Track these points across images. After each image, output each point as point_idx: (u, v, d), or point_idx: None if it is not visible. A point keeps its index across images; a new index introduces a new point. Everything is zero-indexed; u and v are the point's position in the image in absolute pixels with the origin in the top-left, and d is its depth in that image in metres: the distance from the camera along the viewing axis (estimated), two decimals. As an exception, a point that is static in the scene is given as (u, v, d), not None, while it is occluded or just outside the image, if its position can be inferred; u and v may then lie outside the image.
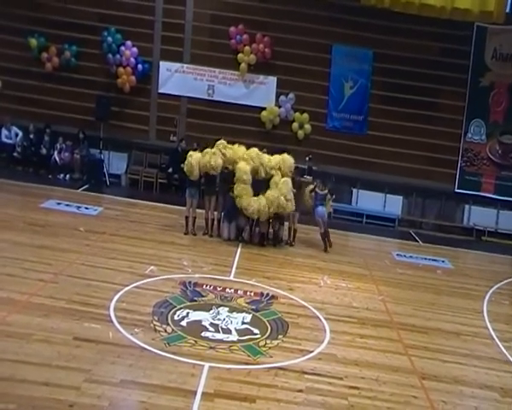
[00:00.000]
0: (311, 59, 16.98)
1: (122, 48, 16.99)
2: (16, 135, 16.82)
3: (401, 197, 17.15)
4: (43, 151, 16.78)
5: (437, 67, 16.81)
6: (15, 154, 16.73)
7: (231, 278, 10.69)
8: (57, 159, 16.73)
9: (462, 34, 16.69)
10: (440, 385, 7.75)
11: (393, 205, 16.94)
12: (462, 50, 16.88)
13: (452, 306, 10.79)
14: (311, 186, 13.33)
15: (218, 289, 10.00)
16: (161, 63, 17.45)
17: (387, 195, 16.97)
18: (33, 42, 16.92)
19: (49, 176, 16.44)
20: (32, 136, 16.94)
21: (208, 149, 12.90)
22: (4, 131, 16.83)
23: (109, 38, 16.94)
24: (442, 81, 16.89)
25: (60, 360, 7.03)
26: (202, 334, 8.24)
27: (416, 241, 15.56)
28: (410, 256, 13.76)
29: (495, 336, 9.58)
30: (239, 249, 12.02)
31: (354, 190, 17.10)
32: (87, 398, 6.38)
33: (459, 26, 16.24)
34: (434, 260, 13.39)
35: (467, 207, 17.19)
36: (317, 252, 12.85)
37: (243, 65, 17.18)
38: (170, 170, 16.50)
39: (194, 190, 12.84)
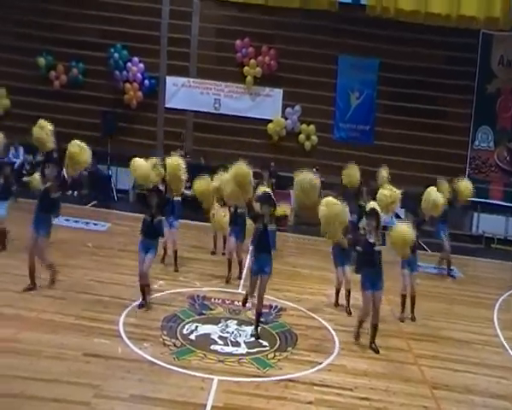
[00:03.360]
0: (316, 70, 17.08)
1: (129, 64, 17.18)
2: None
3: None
4: (52, 168, 16.86)
5: (443, 76, 16.86)
6: (24, 171, 16.85)
7: (240, 290, 10.66)
8: (65, 175, 16.80)
9: (468, 42, 16.74)
10: (451, 395, 7.68)
11: (401, 214, 16.82)
12: (468, 58, 16.92)
13: (462, 314, 10.72)
14: None
15: (227, 302, 10.01)
16: (168, 78, 17.62)
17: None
18: (41, 61, 17.15)
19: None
20: (40, 153, 17.04)
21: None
22: (12, 151, 17.01)
23: (116, 55, 17.13)
24: (448, 89, 16.92)
25: (70, 376, 7.06)
26: (211, 347, 8.24)
27: (425, 250, 15.49)
28: (419, 265, 13.62)
29: (506, 345, 9.49)
30: (247, 262, 12.00)
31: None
32: (97, 413, 6.41)
33: (465, 34, 16.29)
34: (443, 268, 13.29)
35: (476, 214, 17.13)
36: (325, 263, 12.65)
37: (249, 78, 17.29)
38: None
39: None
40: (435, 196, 10.41)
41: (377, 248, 8.59)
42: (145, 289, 9.29)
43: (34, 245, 9.51)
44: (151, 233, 9.27)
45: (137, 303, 9.27)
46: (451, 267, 13.00)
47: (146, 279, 9.28)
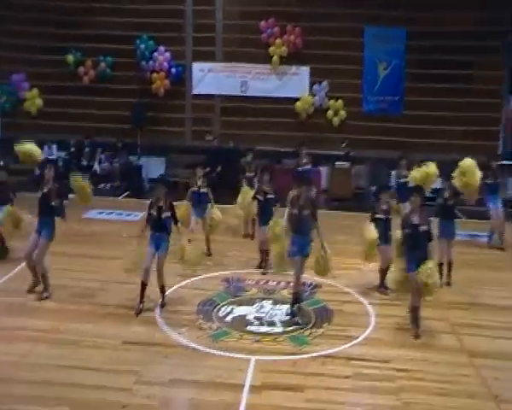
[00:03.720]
0: (343, 44, 16.85)
1: (155, 54, 17.29)
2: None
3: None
4: (84, 163, 17.24)
5: (472, 38, 16.36)
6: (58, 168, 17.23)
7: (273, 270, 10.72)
8: (97, 169, 17.16)
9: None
10: (492, 362, 7.62)
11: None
12: (497, 18, 16.40)
13: (499, 280, 10.50)
14: None
15: (261, 282, 10.10)
16: (194, 64, 17.65)
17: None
18: (70, 58, 17.40)
19: (91, 186, 16.77)
20: (72, 149, 17.39)
21: None
22: (46, 150, 17.35)
23: (142, 46, 17.25)
24: (479, 51, 16.44)
25: (110, 364, 7.29)
26: (247, 328, 8.37)
27: (460, 217, 15.17)
28: (457, 233, 13.36)
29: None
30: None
31: (393, 173, 16.72)
32: (138, 399, 6.59)
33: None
34: (479, 235, 13.05)
35: (510, 179, 16.66)
36: (358, 237, 12.45)
37: (275, 57, 17.21)
38: (207, 169, 16.54)
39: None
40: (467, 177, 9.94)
41: (422, 228, 8.19)
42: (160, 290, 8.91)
43: (33, 246, 9.15)
44: (160, 227, 8.80)
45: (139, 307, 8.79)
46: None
47: (161, 279, 8.79)
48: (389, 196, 9.94)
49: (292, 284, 8.96)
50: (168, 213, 8.84)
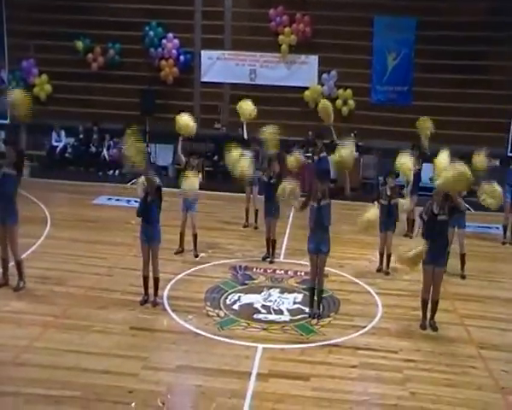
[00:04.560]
0: (352, 34, 16.70)
1: (164, 41, 17.22)
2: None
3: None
4: (93, 149, 17.25)
5: (485, 28, 16.18)
6: (67, 154, 17.28)
7: (281, 259, 10.74)
8: (106, 156, 17.17)
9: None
10: (500, 354, 7.62)
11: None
12: (509, 7, 16.22)
13: (508, 273, 10.50)
14: None
15: (269, 271, 10.11)
16: (203, 52, 17.57)
17: (436, 164, 16.49)
18: (79, 44, 17.36)
19: (100, 173, 16.88)
20: (81, 135, 17.41)
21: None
22: (54, 136, 17.40)
23: (151, 33, 17.19)
24: (491, 42, 16.25)
25: (118, 349, 7.33)
26: (254, 316, 8.38)
27: (468, 209, 15.10)
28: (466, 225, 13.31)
29: (555, 302, 9.27)
30: (287, 230, 12.02)
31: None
32: (145, 384, 6.62)
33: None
34: (488, 227, 12.99)
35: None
36: None
37: (284, 46, 17.13)
38: (215, 158, 16.59)
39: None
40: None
41: (440, 218, 7.97)
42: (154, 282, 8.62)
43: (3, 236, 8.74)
44: (148, 217, 8.44)
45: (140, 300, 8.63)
46: None
47: (155, 271, 8.58)
48: (394, 180, 10.24)
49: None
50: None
